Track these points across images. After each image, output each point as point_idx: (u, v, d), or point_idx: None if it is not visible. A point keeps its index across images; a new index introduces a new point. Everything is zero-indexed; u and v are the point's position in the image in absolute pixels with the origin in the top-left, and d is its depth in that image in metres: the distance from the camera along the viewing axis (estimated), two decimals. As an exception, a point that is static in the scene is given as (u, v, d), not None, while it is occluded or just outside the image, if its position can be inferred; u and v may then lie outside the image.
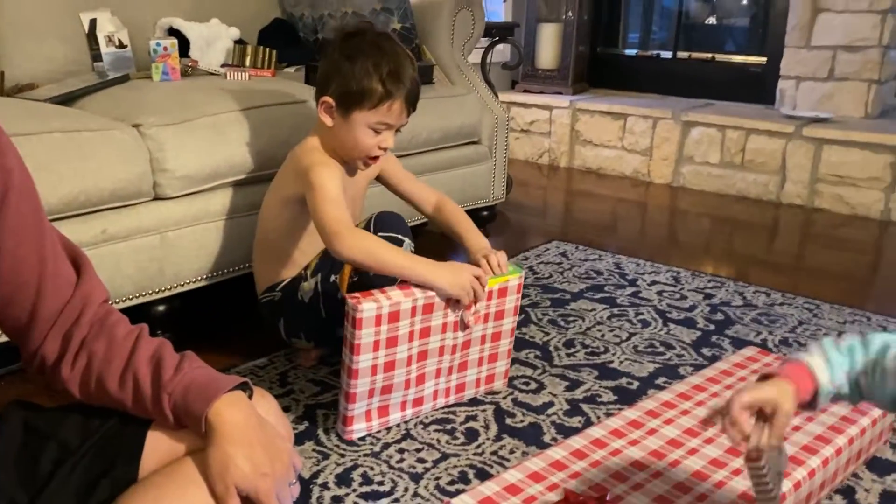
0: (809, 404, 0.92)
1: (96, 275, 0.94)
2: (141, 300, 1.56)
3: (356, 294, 1.26)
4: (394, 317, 1.27)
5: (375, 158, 1.46)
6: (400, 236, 1.43)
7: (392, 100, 1.38)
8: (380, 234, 1.41)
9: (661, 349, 1.72)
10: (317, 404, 1.45)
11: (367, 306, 1.24)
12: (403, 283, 1.31)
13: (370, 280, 1.39)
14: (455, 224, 1.54)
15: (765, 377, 0.92)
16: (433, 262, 1.33)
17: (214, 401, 0.84)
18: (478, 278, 1.35)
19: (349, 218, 1.35)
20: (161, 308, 1.60)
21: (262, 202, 1.56)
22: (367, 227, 1.45)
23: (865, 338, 0.93)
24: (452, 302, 1.34)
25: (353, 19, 2.23)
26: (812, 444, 1.23)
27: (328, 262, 1.48)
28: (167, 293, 1.60)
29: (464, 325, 1.38)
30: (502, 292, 1.41)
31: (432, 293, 1.31)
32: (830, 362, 0.91)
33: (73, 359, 0.89)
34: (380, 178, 1.61)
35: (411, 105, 1.42)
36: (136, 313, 1.51)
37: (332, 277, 1.47)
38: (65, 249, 0.91)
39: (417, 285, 1.31)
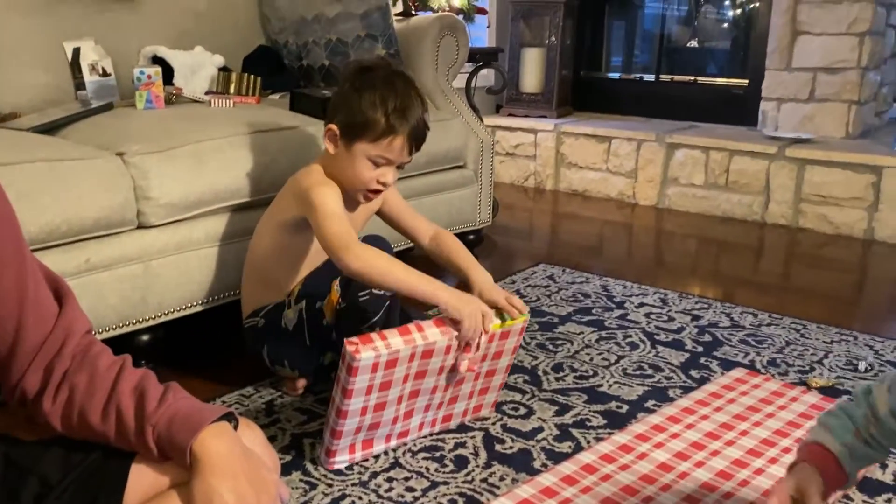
0: (844, 478, 0.95)
1: (78, 305, 0.92)
2: (124, 330, 1.54)
3: (355, 339, 1.21)
4: (391, 364, 1.24)
5: (375, 192, 1.45)
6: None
7: (394, 135, 1.38)
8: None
9: (650, 372, 1.71)
10: (303, 433, 1.43)
11: (366, 355, 1.20)
12: (401, 320, 1.29)
13: (358, 306, 1.38)
14: (455, 257, 1.51)
15: (791, 467, 0.97)
16: (441, 283, 1.33)
17: (199, 432, 0.82)
18: (484, 315, 1.32)
19: (354, 233, 1.35)
20: (145, 338, 1.58)
21: (257, 225, 1.55)
22: None
23: (854, 393, 0.98)
24: (453, 334, 1.30)
25: (338, 46, 2.24)
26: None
27: (313, 288, 1.48)
28: (151, 322, 1.58)
29: (460, 367, 1.35)
30: (505, 334, 1.39)
31: (433, 339, 1.27)
32: (832, 428, 0.96)
33: (54, 391, 0.88)
34: (380, 212, 1.61)
35: (414, 144, 1.42)
36: (120, 343, 1.49)
37: (318, 304, 1.46)
38: (46, 280, 0.90)
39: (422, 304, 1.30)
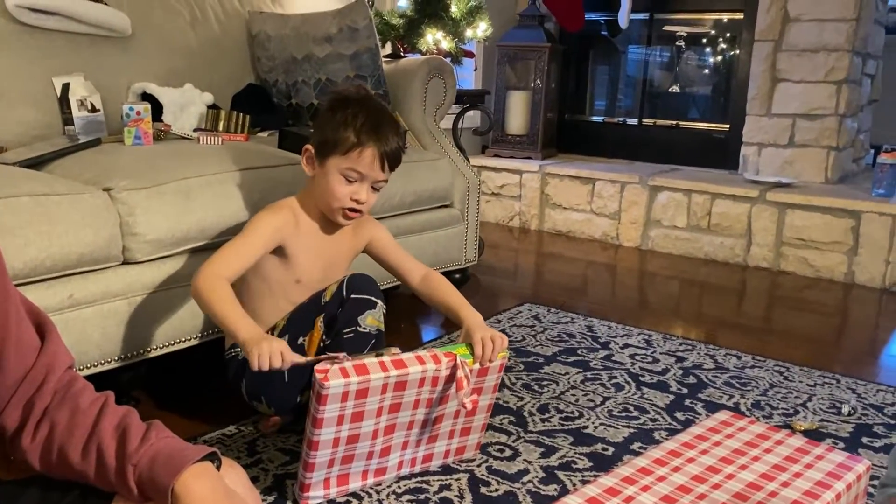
0: None
1: (61, 340, 0.91)
2: (107, 367, 1.52)
3: (325, 366, 1.20)
4: (362, 394, 1.22)
5: (351, 211, 1.46)
6: (373, 298, 1.44)
7: (363, 147, 1.40)
8: (352, 295, 1.42)
9: (636, 413, 1.71)
10: (286, 474, 1.41)
11: (335, 383, 1.18)
12: (382, 353, 1.29)
13: (342, 343, 1.37)
14: (446, 298, 1.51)
15: None
16: (247, 319, 1.31)
17: (181, 472, 0.81)
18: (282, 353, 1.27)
19: (230, 268, 1.37)
20: (127, 375, 1.56)
21: None
22: (339, 289, 1.44)
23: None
24: (429, 367, 1.30)
25: (327, 86, 2.26)
26: (801, 499, 1.22)
27: (296, 323, 1.47)
28: (134, 360, 1.56)
29: (459, 404, 1.33)
30: (483, 371, 1.38)
31: (405, 370, 1.26)
32: None
33: (34, 429, 0.86)
34: (368, 250, 1.61)
35: (386, 159, 1.43)
36: (102, 380, 1.47)
37: (300, 340, 1.45)
38: (29, 314, 0.89)
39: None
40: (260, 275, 1.49)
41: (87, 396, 0.89)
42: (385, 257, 1.60)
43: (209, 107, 2.15)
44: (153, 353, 1.60)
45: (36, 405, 0.86)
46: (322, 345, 1.42)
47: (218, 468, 0.87)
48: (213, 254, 1.39)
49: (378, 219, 2.03)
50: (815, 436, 1.62)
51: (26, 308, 0.89)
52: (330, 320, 1.42)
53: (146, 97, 2.07)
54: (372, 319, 1.44)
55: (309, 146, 1.47)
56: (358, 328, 1.38)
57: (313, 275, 1.50)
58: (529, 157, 3.87)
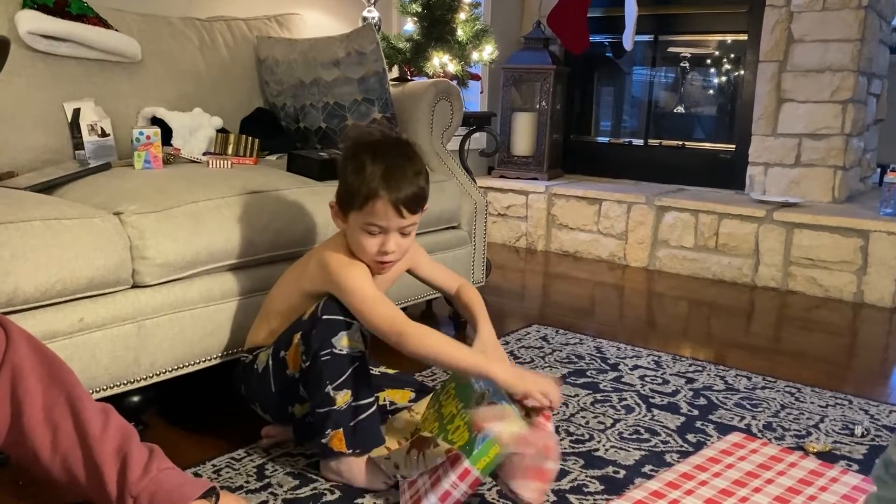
0: None
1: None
2: (116, 391, 1.52)
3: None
4: None
5: (383, 263, 1.44)
6: (347, 319, 1.38)
7: (374, 200, 1.36)
8: (324, 316, 1.38)
9: (647, 436, 1.70)
10: (295, 499, 1.40)
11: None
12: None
13: (318, 366, 1.36)
14: (471, 307, 1.59)
15: None
16: (494, 358, 1.39)
17: None
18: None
19: (401, 313, 1.36)
20: (136, 398, 1.56)
21: (283, 274, 1.57)
22: (315, 309, 1.41)
23: (877, 476, 0.91)
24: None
25: (335, 109, 2.28)
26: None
27: (282, 338, 1.46)
28: (143, 383, 1.56)
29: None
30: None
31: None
32: None
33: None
34: (409, 272, 1.66)
35: (402, 205, 1.38)
36: (111, 404, 1.47)
37: (282, 353, 1.45)
38: None
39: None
40: (300, 307, 1.47)
41: (89, 406, 0.89)
42: (426, 278, 1.67)
43: (218, 131, 2.16)
44: (162, 377, 1.59)
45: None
46: (303, 365, 1.41)
47: (216, 503, 0.87)
48: (374, 321, 1.34)
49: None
50: (828, 458, 1.61)
51: None
52: (306, 340, 1.40)
53: (156, 122, 2.09)
54: (347, 340, 1.38)
55: (333, 201, 1.45)
56: (334, 350, 1.37)
57: None
58: (535, 178, 3.88)
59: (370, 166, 1.36)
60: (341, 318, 1.38)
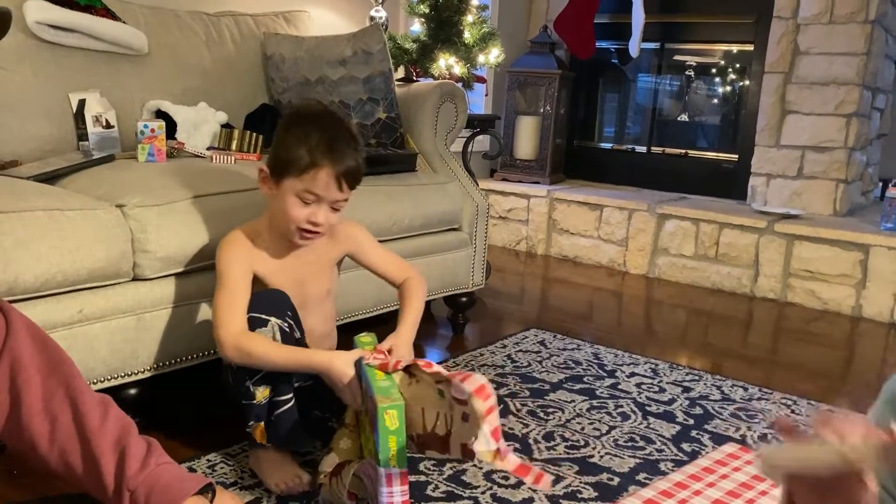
0: None
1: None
2: (113, 383, 1.52)
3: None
4: None
5: (309, 232, 1.43)
6: (264, 316, 1.37)
7: (317, 168, 1.36)
8: (249, 314, 1.37)
9: (642, 443, 1.70)
10: (288, 496, 1.40)
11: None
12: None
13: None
14: (406, 305, 1.55)
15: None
16: (307, 350, 1.37)
17: None
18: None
19: (240, 320, 1.35)
20: (132, 391, 1.56)
21: None
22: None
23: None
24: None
25: (340, 108, 2.28)
26: None
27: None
28: (140, 376, 1.56)
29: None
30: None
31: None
32: None
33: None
34: (352, 256, 1.62)
35: (343, 179, 1.39)
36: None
37: None
38: None
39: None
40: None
41: (88, 398, 0.89)
42: (368, 264, 1.61)
43: (223, 126, 2.16)
44: (159, 371, 1.60)
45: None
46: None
47: (212, 500, 0.87)
48: (215, 318, 1.37)
49: (386, 241, 2.05)
50: (822, 471, 1.61)
51: None
52: None
53: (160, 115, 2.09)
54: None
55: (264, 166, 1.44)
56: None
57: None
58: (537, 182, 3.88)
59: (315, 136, 1.37)
60: (255, 314, 1.37)
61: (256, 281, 1.46)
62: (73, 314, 1.43)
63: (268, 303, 1.39)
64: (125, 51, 2.13)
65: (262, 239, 1.48)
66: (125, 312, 1.52)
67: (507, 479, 1.51)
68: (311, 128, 1.38)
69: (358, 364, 1.30)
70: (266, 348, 1.34)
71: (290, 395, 1.41)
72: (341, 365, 1.31)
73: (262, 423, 1.39)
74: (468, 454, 1.15)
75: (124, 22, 2.12)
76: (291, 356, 1.35)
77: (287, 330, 1.38)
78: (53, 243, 1.40)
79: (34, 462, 0.95)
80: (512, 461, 1.10)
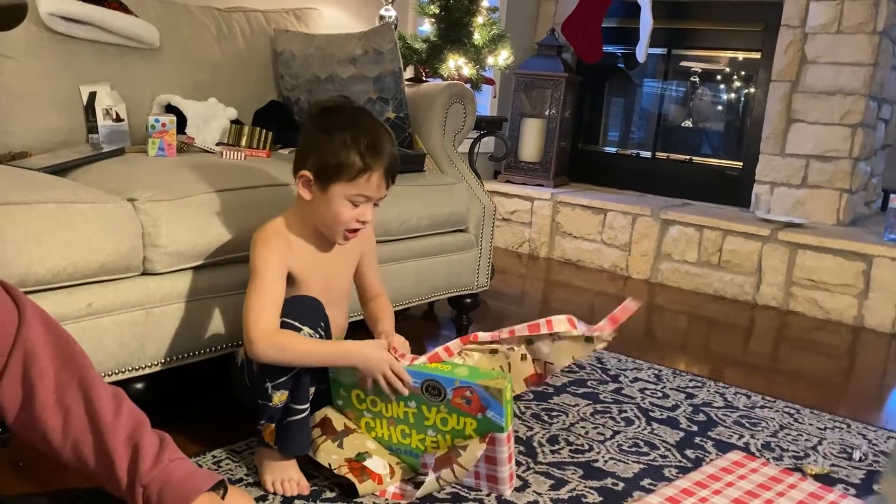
0: None
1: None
2: (121, 377, 1.52)
3: None
4: None
5: (354, 232, 1.45)
6: (297, 324, 1.38)
7: (371, 172, 1.39)
8: (283, 318, 1.38)
9: (646, 449, 1.70)
10: (294, 495, 1.40)
11: None
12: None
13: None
14: (380, 317, 1.59)
15: None
16: (344, 343, 1.42)
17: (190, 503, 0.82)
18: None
19: (274, 317, 1.36)
20: (140, 386, 1.56)
21: None
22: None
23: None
24: None
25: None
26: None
27: None
28: (148, 371, 1.56)
29: None
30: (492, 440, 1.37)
31: None
32: None
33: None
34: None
35: (390, 178, 1.43)
36: (114, 390, 1.47)
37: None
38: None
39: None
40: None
41: (101, 391, 0.90)
42: (363, 264, 1.62)
43: (232, 122, 2.16)
44: (167, 366, 1.59)
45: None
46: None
47: (223, 495, 0.87)
48: (247, 315, 1.36)
49: (393, 241, 2.05)
50: (826, 480, 1.61)
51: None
52: None
53: (171, 109, 2.08)
54: None
55: (306, 172, 1.41)
56: None
57: (312, 293, 1.46)
58: (541, 185, 3.88)
59: (363, 139, 1.38)
60: (289, 320, 1.37)
61: (287, 276, 1.45)
62: (82, 307, 1.43)
63: (302, 311, 1.39)
64: (137, 44, 2.12)
65: (294, 238, 1.47)
66: (134, 307, 1.51)
67: (512, 481, 1.51)
68: (355, 130, 1.39)
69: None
70: (300, 341, 1.34)
71: (306, 406, 1.40)
72: (377, 353, 1.36)
73: (274, 425, 1.39)
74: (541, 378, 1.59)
75: (136, 16, 2.12)
76: (325, 349, 1.38)
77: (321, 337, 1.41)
78: (65, 236, 1.40)
79: (46, 454, 0.95)
80: (599, 325, 1.67)
